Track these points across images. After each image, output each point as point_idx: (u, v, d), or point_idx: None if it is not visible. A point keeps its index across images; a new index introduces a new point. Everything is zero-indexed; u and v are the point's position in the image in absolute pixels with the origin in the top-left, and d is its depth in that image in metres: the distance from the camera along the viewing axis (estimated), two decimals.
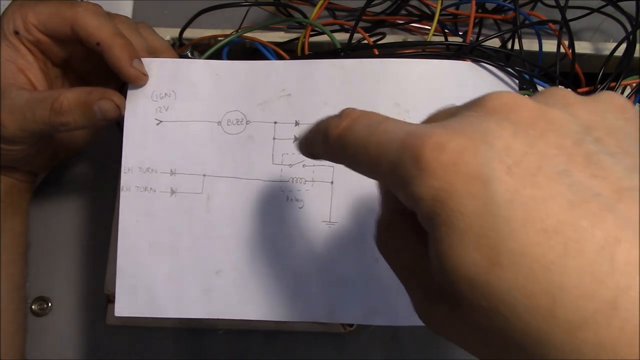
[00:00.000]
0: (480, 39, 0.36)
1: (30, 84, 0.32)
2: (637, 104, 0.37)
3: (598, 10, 0.41)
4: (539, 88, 0.34)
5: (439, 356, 0.37)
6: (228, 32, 0.38)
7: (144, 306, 0.31)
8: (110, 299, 0.36)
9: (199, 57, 0.37)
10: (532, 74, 0.34)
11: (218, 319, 0.31)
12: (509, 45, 0.38)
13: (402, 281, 0.19)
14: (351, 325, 0.35)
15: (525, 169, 0.14)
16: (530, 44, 0.37)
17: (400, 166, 0.15)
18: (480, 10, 0.42)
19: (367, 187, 0.30)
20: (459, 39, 0.40)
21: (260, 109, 0.31)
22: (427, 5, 0.43)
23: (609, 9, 0.39)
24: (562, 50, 0.37)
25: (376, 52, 0.35)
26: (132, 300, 0.31)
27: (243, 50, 0.40)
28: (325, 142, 0.18)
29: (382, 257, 0.19)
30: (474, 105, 0.16)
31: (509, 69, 0.33)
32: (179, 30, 0.39)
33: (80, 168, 0.43)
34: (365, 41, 0.37)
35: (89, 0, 0.33)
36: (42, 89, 0.32)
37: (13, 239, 0.38)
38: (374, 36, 0.40)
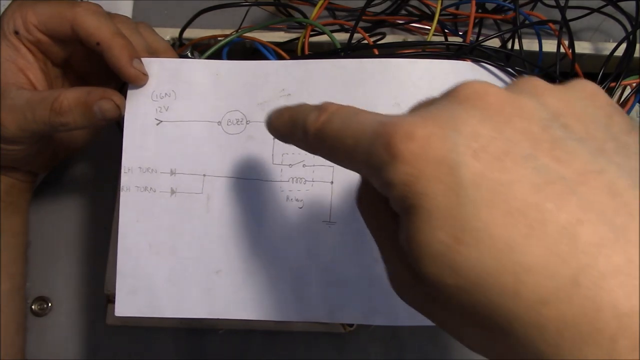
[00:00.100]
0: (480, 39, 0.36)
1: (30, 84, 0.32)
2: (637, 104, 0.37)
3: (598, 10, 0.41)
4: None
5: (439, 356, 0.37)
6: (228, 32, 0.38)
7: (144, 306, 0.31)
8: (110, 299, 0.36)
9: (199, 57, 0.37)
10: (532, 74, 0.34)
11: (218, 319, 0.31)
12: (509, 45, 0.38)
13: (378, 246, 0.19)
14: (351, 325, 0.35)
15: (492, 154, 0.14)
16: (530, 44, 0.37)
17: (373, 154, 0.16)
18: (480, 10, 0.42)
19: None
20: (459, 39, 0.40)
21: (260, 109, 0.31)
22: (427, 5, 0.43)
23: (609, 9, 0.39)
24: (562, 50, 0.37)
25: (376, 52, 0.35)
26: (132, 300, 0.31)
27: (243, 50, 0.40)
28: (304, 136, 0.19)
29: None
30: (447, 94, 0.16)
31: (509, 69, 0.33)
32: (179, 30, 0.39)
33: (80, 168, 0.43)
34: (365, 41, 0.37)
35: (89, 0, 0.33)
36: (42, 88, 0.32)
37: (13, 238, 0.38)
38: (374, 36, 0.40)
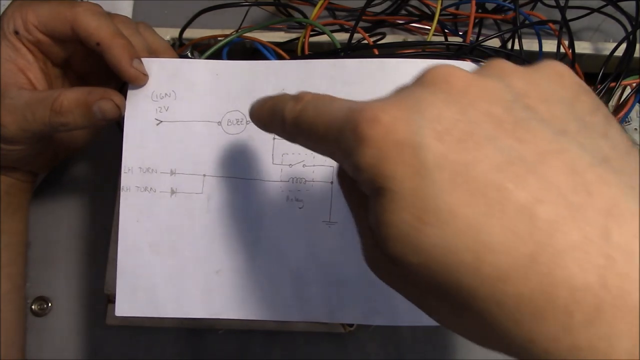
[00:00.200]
0: (480, 39, 0.36)
1: (30, 84, 0.32)
2: (637, 104, 0.37)
3: (598, 10, 0.41)
4: None
5: (438, 356, 0.37)
6: (228, 32, 0.38)
7: (145, 306, 0.31)
8: (111, 299, 0.36)
9: (199, 57, 0.37)
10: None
11: (218, 319, 0.31)
12: (509, 45, 0.38)
13: (355, 225, 0.20)
14: (351, 325, 0.35)
15: (455, 136, 0.15)
16: (530, 44, 0.37)
17: (343, 140, 0.16)
18: (480, 10, 0.42)
19: None
20: (459, 39, 0.40)
21: None
22: (427, 5, 0.43)
23: (609, 9, 0.39)
24: (562, 50, 0.37)
25: (376, 52, 0.35)
26: (132, 300, 0.31)
27: (243, 50, 0.40)
28: (282, 124, 0.20)
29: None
30: (415, 79, 0.17)
31: None
32: (179, 30, 0.39)
33: (80, 168, 0.43)
34: (365, 41, 0.37)
35: (89, 0, 0.33)
36: (42, 89, 0.32)
37: (13, 238, 0.38)
38: (374, 36, 0.40)
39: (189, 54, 0.38)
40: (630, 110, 0.36)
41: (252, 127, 0.32)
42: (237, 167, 0.31)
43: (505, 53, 0.37)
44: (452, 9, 0.41)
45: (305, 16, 0.38)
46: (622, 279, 0.13)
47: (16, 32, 0.31)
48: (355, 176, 0.16)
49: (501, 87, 0.16)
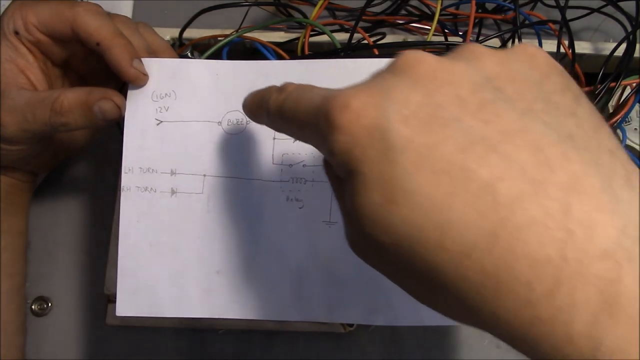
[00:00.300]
0: (480, 39, 0.36)
1: (30, 84, 0.32)
2: (637, 104, 0.37)
3: (598, 10, 0.41)
4: None
5: (438, 356, 0.38)
6: (228, 32, 0.38)
7: (145, 306, 0.31)
8: (111, 299, 0.36)
9: (199, 57, 0.37)
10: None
11: (218, 319, 0.31)
12: (509, 45, 0.38)
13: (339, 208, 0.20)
14: (351, 325, 0.35)
15: (420, 119, 0.15)
16: None
17: (318, 127, 0.17)
18: (480, 10, 0.42)
19: None
20: (459, 39, 0.40)
21: None
22: (427, 5, 0.43)
23: (609, 9, 0.39)
24: (562, 50, 0.37)
25: (376, 52, 0.35)
26: (133, 300, 0.31)
27: (243, 50, 0.40)
28: (267, 115, 0.21)
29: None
30: (387, 66, 0.17)
31: None
32: (179, 30, 0.39)
33: (80, 168, 0.43)
34: (365, 41, 0.37)
35: (89, 0, 0.33)
36: (42, 89, 0.32)
37: (13, 238, 0.38)
38: (374, 36, 0.40)
39: (189, 54, 0.38)
40: (630, 110, 0.36)
41: (252, 127, 0.32)
42: (238, 167, 0.31)
43: None
44: (452, 9, 0.41)
45: (305, 16, 0.38)
46: (581, 252, 0.13)
47: (16, 32, 0.31)
48: (331, 161, 0.17)
49: (469, 69, 0.16)
